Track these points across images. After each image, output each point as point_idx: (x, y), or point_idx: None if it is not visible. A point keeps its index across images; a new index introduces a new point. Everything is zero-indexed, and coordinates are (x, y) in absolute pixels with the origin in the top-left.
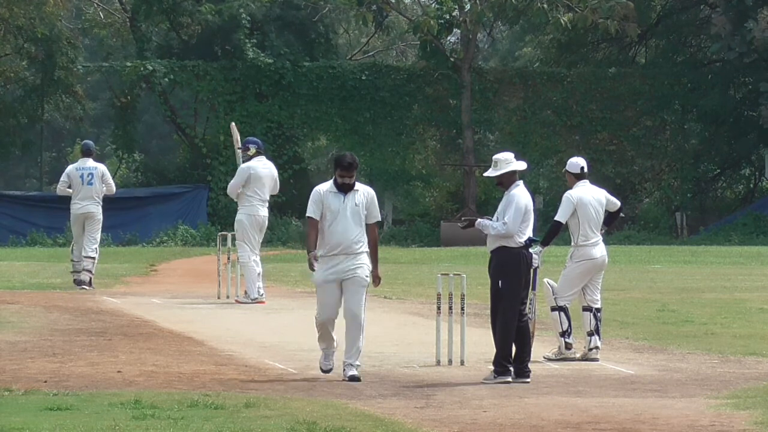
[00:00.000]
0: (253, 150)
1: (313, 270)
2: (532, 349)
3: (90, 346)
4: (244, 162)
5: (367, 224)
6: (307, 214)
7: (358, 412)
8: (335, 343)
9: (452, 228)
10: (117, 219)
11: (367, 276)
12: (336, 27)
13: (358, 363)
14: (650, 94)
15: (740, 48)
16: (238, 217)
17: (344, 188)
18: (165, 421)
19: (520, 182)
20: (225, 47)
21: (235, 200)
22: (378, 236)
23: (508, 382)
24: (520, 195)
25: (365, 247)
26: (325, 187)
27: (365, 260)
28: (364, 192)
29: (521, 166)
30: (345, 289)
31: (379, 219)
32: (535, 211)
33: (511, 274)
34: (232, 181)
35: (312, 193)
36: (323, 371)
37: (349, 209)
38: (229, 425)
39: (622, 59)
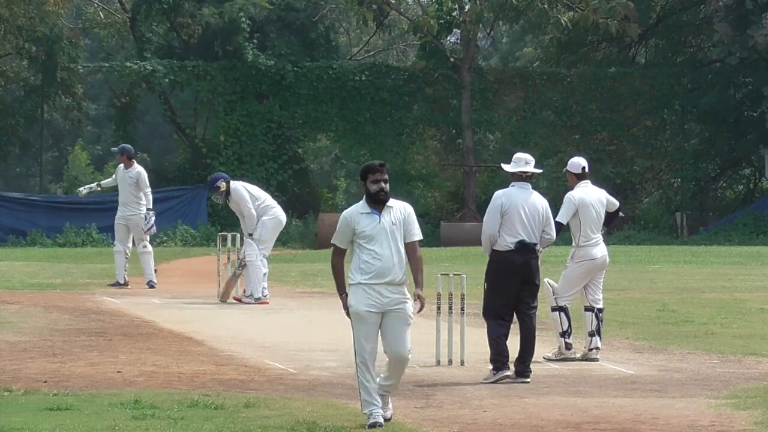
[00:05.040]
0: (224, 186)
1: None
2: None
3: (90, 346)
4: (219, 201)
5: (407, 243)
6: (332, 241)
7: (358, 413)
8: (378, 401)
9: (452, 228)
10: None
11: (412, 313)
12: (336, 27)
13: (391, 408)
14: (650, 94)
15: (741, 53)
16: (264, 219)
17: (380, 200)
18: (165, 421)
19: (516, 184)
20: (226, 48)
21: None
22: (421, 255)
23: (508, 376)
24: (496, 195)
25: (406, 276)
26: (355, 209)
27: (407, 292)
28: (400, 208)
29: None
30: (387, 324)
31: (421, 237)
32: None
33: (491, 276)
34: (249, 211)
35: (340, 218)
36: (368, 427)
37: (387, 230)
38: (229, 425)
39: (622, 59)
